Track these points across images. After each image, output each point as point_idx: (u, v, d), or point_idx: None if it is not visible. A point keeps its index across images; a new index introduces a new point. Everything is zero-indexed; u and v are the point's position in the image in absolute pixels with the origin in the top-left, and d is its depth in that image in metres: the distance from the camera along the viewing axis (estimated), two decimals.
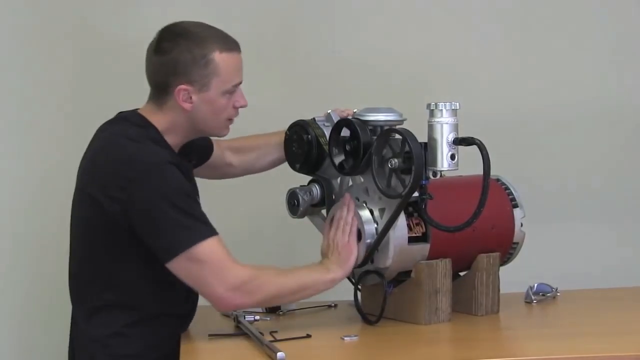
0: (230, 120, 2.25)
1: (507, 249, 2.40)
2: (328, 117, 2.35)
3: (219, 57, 2.15)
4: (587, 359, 1.98)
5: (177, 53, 2.14)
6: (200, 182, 2.84)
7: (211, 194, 2.78)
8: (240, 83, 2.21)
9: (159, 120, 2.19)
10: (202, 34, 2.17)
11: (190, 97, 2.15)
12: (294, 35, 3.13)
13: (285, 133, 2.40)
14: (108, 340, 2.15)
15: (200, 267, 2.07)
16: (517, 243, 2.41)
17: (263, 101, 3.10)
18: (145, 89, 2.28)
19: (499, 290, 2.35)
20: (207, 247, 2.06)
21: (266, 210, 2.93)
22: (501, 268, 2.37)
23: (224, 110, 2.20)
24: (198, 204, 2.15)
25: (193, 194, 2.17)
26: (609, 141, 3.33)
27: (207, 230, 2.09)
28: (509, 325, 2.32)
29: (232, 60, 2.18)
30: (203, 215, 2.12)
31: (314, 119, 2.37)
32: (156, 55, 2.18)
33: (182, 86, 2.14)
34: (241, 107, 2.23)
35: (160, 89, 2.18)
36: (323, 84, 3.05)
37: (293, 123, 2.39)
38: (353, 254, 2.22)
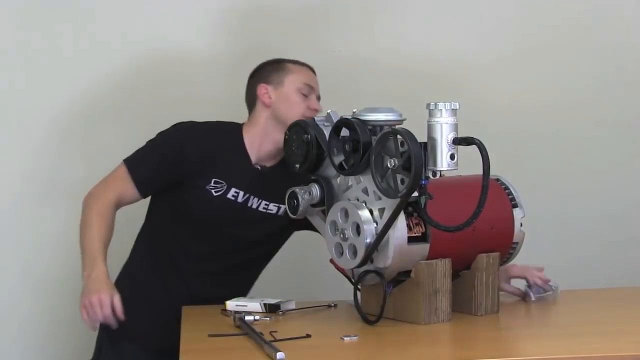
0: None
1: (507, 249, 2.39)
2: (328, 117, 2.35)
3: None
4: (587, 359, 1.98)
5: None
6: None
7: None
8: None
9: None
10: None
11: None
12: (294, 34, 3.14)
13: (285, 133, 2.40)
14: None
15: None
16: (517, 243, 2.40)
17: None
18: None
19: (498, 290, 2.35)
20: None
21: None
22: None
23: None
24: None
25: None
26: (609, 141, 3.33)
27: None
28: (509, 325, 2.32)
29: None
30: None
31: (313, 118, 2.37)
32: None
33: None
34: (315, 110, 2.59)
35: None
36: (323, 84, 3.04)
37: (293, 123, 2.39)
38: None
